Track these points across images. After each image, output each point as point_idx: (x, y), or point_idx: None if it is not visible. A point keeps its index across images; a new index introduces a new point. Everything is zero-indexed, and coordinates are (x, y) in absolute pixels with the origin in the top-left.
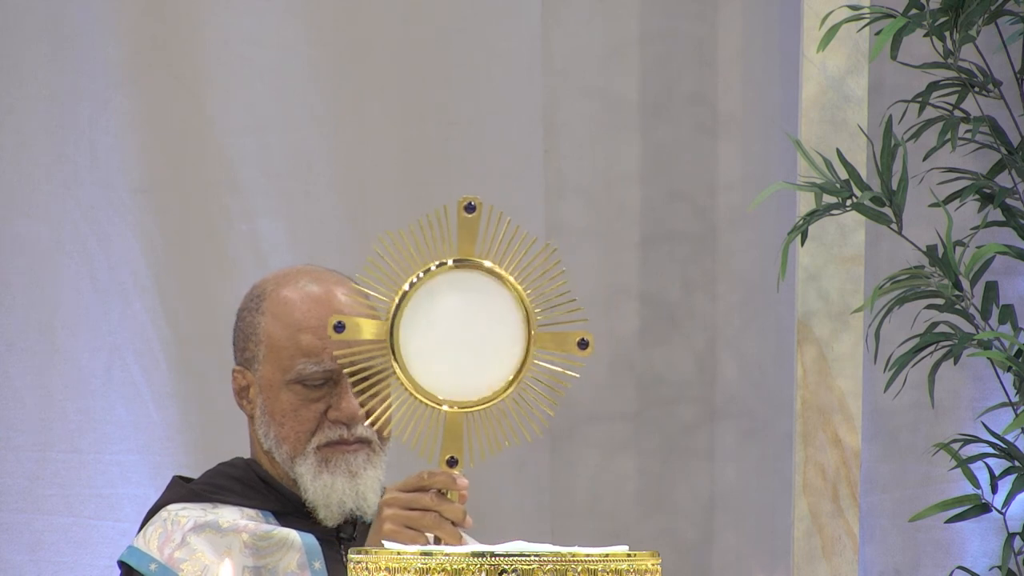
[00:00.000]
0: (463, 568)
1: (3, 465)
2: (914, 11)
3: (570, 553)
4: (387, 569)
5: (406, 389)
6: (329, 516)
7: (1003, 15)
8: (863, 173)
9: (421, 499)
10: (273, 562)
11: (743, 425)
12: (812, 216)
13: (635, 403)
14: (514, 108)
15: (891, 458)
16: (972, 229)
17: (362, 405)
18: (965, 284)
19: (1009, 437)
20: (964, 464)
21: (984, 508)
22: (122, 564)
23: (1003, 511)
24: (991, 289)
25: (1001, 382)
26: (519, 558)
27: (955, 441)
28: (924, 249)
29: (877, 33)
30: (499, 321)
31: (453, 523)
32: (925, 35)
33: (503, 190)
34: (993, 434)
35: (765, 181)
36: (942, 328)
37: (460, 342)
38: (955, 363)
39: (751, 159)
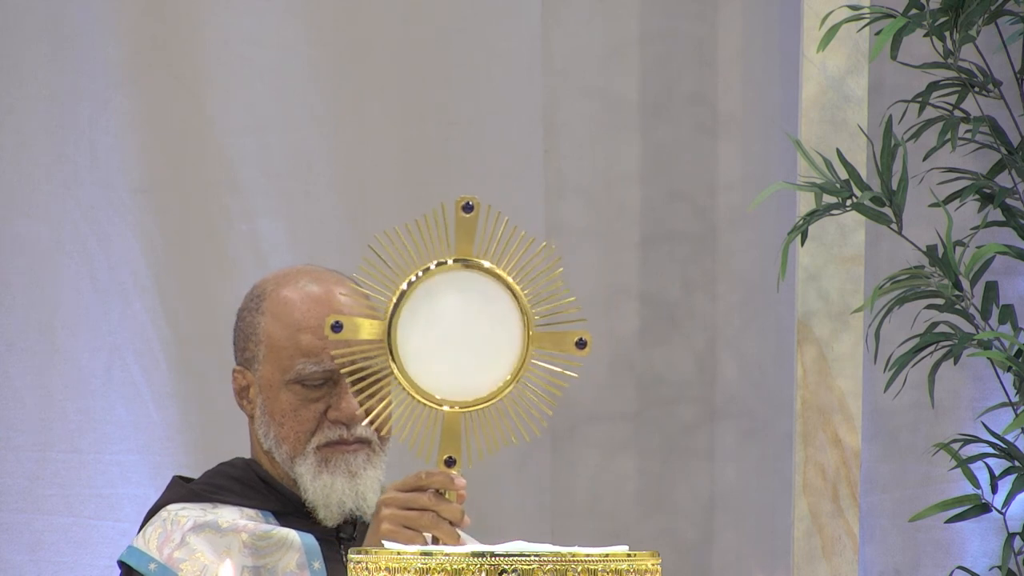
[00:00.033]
0: (463, 568)
1: (3, 465)
2: (914, 11)
3: (570, 553)
4: (387, 569)
5: (404, 389)
6: (329, 516)
7: (1003, 15)
8: (863, 173)
9: (419, 499)
10: (272, 562)
11: (743, 425)
12: (812, 216)
13: (635, 403)
14: (514, 108)
15: (891, 458)
16: (972, 229)
17: (361, 405)
18: (965, 284)
19: (1009, 437)
20: (964, 464)
21: (984, 508)
22: (122, 564)
23: (1003, 511)
24: (991, 289)
25: (1001, 382)
26: (519, 558)
27: (955, 441)
28: (924, 249)
29: (877, 33)
30: (497, 321)
31: (451, 523)
32: (925, 35)
33: (503, 190)
34: (993, 434)
35: (765, 181)
36: (942, 328)
37: (458, 342)
38: (955, 363)
39: (751, 159)
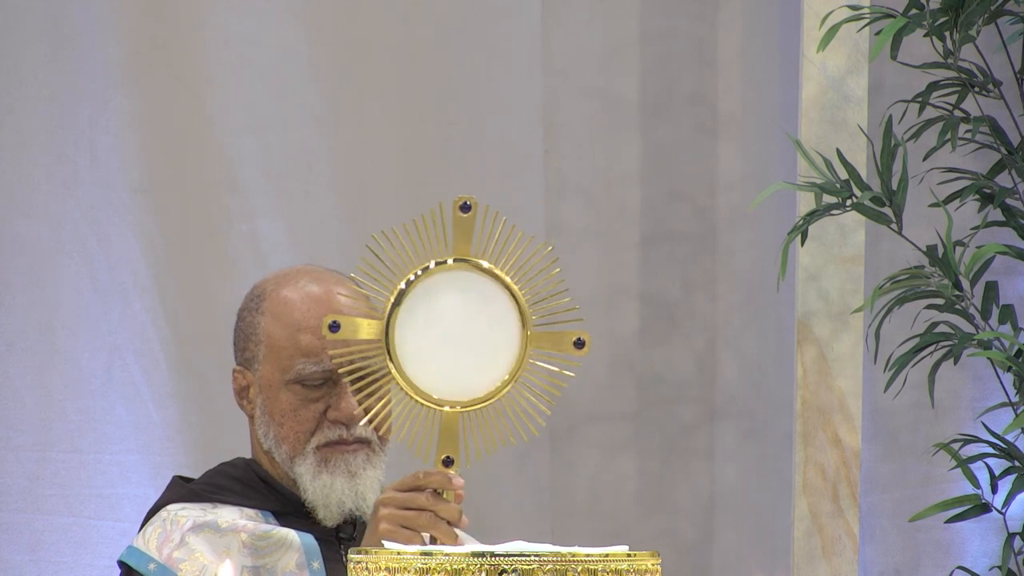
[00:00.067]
0: (463, 568)
1: (3, 465)
2: (914, 11)
3: (570, 553)
4: (387, 569)
5: (402, 389)
6: (328, 516)
7: (1003, 15)
8: (863, 173)
9: (417, 499)
10: (272, 562)
11: (743, 425)
12: (812, 216)
13: (635, 403)
14: (514, 108)
15: (891, 458)
16: (972, 229)
17: (360, 405)
18: (965, 284)
19: (1009, 437)
20: (964, 464)
21: (984, 508)
22: (122, 564)
23: (1003, 511)
24: (991, 289)
25: (1001, 382)
26: (519, 558)
27: (955, 441)
28: (924, 249)
29: (877, 33)
30: (496, 321)
31: (449, 523)
32: (925, 35)
33: (503, 190)
34: (993, 434)
35: (765, 181)
36: (942, 328)
37: (456, 342)
38: (955, 363)
39: (751, 159)
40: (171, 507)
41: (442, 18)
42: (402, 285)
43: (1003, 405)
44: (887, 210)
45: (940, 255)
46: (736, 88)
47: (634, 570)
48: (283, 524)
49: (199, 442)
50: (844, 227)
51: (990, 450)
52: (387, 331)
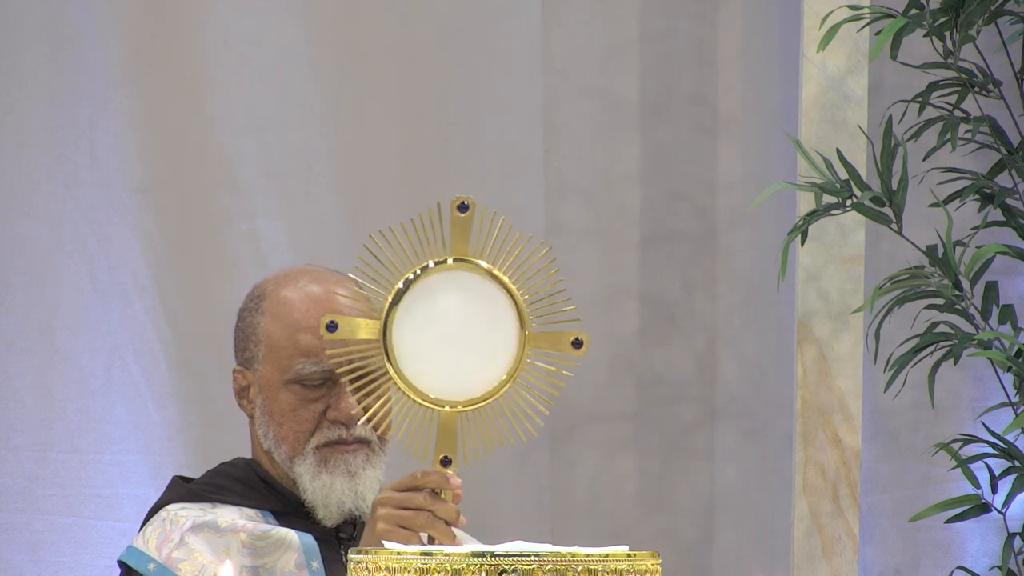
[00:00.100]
0: (463, 568)
1: (3, 465)
2: (914, 11)
3: (570, 553)
4: (387, 569)
5: (399, 388)
6: (328, 516)
7: (1003, 15)
8: (863, 173)
9: (414, 498)
10: (271, 562)
11: (743, 425)
12: (812, 216)
13: (635, 403)
14: (514, 108)
15: (891, 458)
16: (972, 229)
17: (359, 404)
18: (965, 284)
19: (1009, 437)
20: (964, 464)
21: (984, 508)
22: (122, 564)
23: (1003, 511)
24: (991, 289)
25: (1001, 382)
26: (519, 558)
27: (955, 441)
28: (924, 249)
29: (877, 33)
30: (494, 321)
31: (447, 522)
32: (925, 35)
33: (503, 190)
34: (993, 434)
35: (765, 181)
36: (942, 328)
37: (454, 341)
38: (955, 363)
39: (751, 159)
40: (171, 507)
41: (442, 18)
42: (400, 285)
43: (1003, 405)
44: (887, 210)
45: (940, 255)
46: (736, 88)
47: (634, 570)
48: (283, 524)
49: (199, 442)
50: (844, 227)
51: (990, 450)
52: (385, 331)
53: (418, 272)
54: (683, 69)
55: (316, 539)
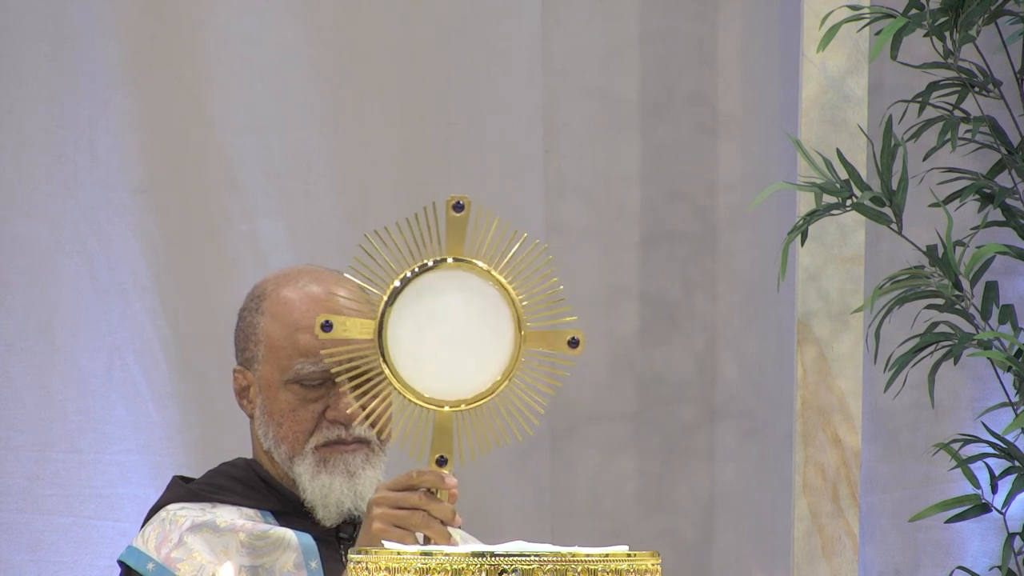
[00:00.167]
0: (463, 568)
1: (3, 465)
2: (914, 11)
3: (570, 553)
4: (387, 569)
5: (395, 388)
6: (327, 516)
7: (1003, 15)
8: (863, 173)
9: (410, 498)
10: (270, 562)
11: (743, 425)
12: (812, 216)
13: (635, 403)
14: (514, 108)
15: (891, 458)
16: (972, 229)
17: (355, 404)
18: (965, 284)
19: (1009, 437)
20: (964, 464)
21: (984, 508)
22: (121, 564)
23: (1003, 511)
24: (991, 289)
25: (1001, 382)
26: (519, 558)
27: (955, 441)
28: (924, 249)
29: (877, 33)
30: (490, 320)
31: (442, 522)
32: (925, 35)
33: (503, 190)
34: (993, 434)
35: (765, 181)
36: (942, 328)
37: (450, 341)
38: (955, 363)
39: (751, 159)
40: (170, 507)
41: (442, 18)
42: (396, 284)
43: (1003, 405)
44: (887, 210)
45: (940, 255)
46: (736, 88)
47: (634, 570)
48: (283, 524)
49: (199, 442)
50: (844, 227)
51: (990, 450)
52: (380, 330)
53: (415, 271)
54: (683, 69)
55: (316, 539)
